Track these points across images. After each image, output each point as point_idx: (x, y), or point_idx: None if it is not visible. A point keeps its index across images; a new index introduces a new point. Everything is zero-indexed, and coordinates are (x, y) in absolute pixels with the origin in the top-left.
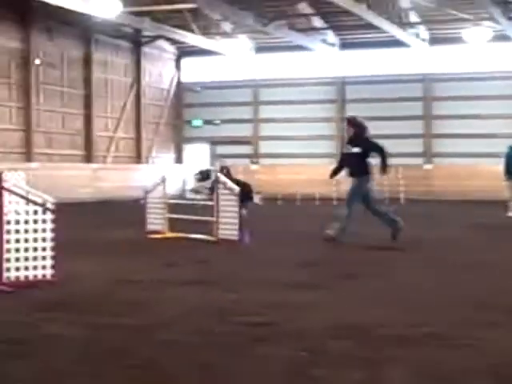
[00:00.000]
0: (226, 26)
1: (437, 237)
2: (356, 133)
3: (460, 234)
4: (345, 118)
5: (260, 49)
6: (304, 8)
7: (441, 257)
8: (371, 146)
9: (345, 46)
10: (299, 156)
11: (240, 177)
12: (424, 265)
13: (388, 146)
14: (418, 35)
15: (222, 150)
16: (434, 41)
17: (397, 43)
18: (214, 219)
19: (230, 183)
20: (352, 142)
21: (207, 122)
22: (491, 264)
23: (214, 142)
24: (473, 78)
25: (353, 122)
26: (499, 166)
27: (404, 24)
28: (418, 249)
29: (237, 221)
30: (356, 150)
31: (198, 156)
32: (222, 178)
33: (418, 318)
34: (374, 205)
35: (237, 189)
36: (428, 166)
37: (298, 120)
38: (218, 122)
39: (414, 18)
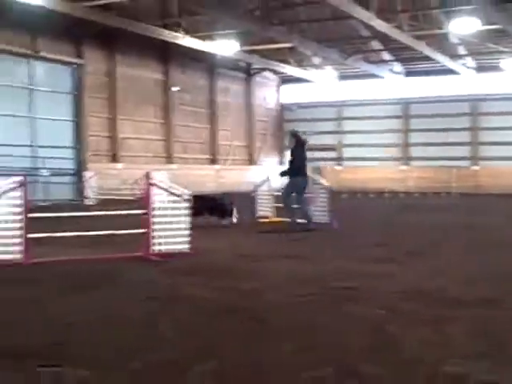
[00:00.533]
0: (316, 60)
1: (484, 223)
2: (295, 144)
3: (503, 221)
4: (289, 132)
5: (342, 77)
6: (376, 45)
7: (489, 239)
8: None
9: (408, 73)
10: (373, 159)
11: (329, 174)
12: (477, 245)
13: (442, 151)
14: (465, 64)
15: (314, 155)
16: (479, 69)
17: (449, 71)
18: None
19: (321, 180)
20: (292, 150)
21: (302, 134)
22: None
23: (308, 148)
24: (509, 97)
25: (295, 135)
26: None
27: (454, 56)
28: (471, 232)
29: (327, 208)
30: (290, 158)
31: None
32: (316, 176)
33: (473, 287)
34: (301, 199)
35: (326, 184)
36: (475, 167)
37: (372, 131)
38: (311, 133)
39: (462, 50)
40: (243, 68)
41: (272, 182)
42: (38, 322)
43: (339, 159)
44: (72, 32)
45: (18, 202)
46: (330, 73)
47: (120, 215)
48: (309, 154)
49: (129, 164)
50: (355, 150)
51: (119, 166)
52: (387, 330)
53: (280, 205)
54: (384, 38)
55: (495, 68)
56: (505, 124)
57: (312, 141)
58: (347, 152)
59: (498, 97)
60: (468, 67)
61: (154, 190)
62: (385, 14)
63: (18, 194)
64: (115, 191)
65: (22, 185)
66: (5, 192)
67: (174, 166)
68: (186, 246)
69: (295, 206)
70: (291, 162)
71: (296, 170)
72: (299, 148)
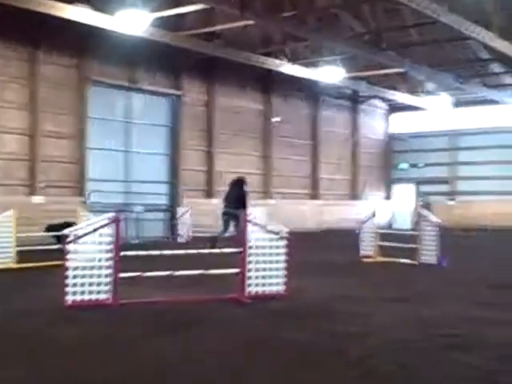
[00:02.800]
0: (429, 85)
1: None
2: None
3: None
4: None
5: (457, 103)
6: (495, 67)
7: None
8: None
9: None
10: (490, 193)
11: (441, 210)
12: None
13: None
14: None
15: (424, 188)
16: None
17: None
18: (417, 246)
19: (431, 216)
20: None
21: (412, 166)
22: None
23: (418, 181)
24: None
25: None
26: None
27: None
28: None
29: (435, 247)
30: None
31: (403, 194)
32: (425, 212)
33: None
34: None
35: (436, 220)
36: None
37: (489, 162)
38: (422, 164)
39: None
40: (349, 96)
41: (377, 218)
42: (130, 362)
43: (452, 193)
44: (170, 62)
45: (110, 239)
46: (443, 99)
47: (214, 254)
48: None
49: None
50: (469, 183)
51: (214, 201)
52: (500, 381)
53: (386, 243)
54: (506, 60)
55: None
56: None
57: (423, 173)
58: (460, 185)
59: None
60: None
61: (251, 228)
62: (508, 33)
63: (110, 231)
64: (209, 228)
65: (114, 222)
66: (97, 229)
67: (272, 202)
68: (281, 287)
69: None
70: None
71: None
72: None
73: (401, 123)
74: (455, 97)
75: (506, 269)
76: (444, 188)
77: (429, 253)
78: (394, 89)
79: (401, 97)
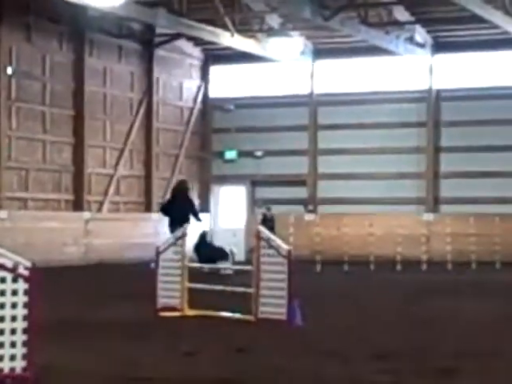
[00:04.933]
0: (273, 21)
1: None
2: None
3: None
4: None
5: (319, 52)
6: None
7: None
8: None
9: (440, 47)
10: (373, 202)
11: (291, 230)
12: None
13: (500, 187)
14: None
15: (264, 192)
16: None
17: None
18: (253, 291)
19: (277, 240)
20: None
21: (245, 154)
22: None
23: (255, 181)
24: None
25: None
26: None
27: None
28: None
29: (285, 293)
30: None
31: (231, 201)
32: (265, 232)
33: None
34: None
35: (286, 248)
36: None
37: (372, 151)
38: (260, 153)
39: None
40: (138, 34)
41: (187, 243)
42: None
43: (311, 201)
44: None
45: None
46: (297, 44)
47: None
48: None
49: None
50: (340, 185)
51: None
52: None
53: (202, 286)
54: None
55: None
56: None
57: (263, 168)
58: (325, 188)
59: None
60: None
61: None
62: None
63: None
64: None
65: None
66: None
67: (2, 214)
68: (19, 364)
69: None
70: None
71: None
72: None
73: (226, 83)
74: (315, 41)
75: (391, 325)
76: (300, 192)
77: (274, 302)
78: (215, 24)
79: (225, 38)
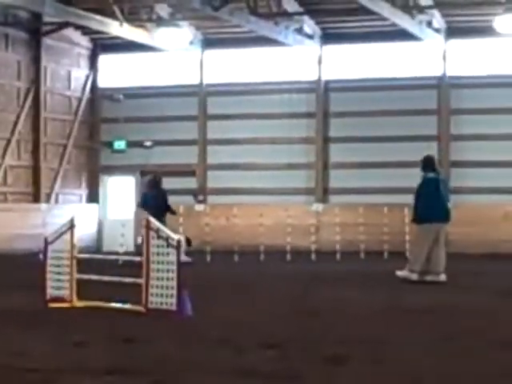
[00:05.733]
0: (162, 10)
1: (453, 304)
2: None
3: (486, 300)
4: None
5: (209, 42)
6: None
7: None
8: None
9: (328, 38)
10: (263, 192)
11: (180, 220)
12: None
13: (388, 177)
14: (430, 24)
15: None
16: (454, 32)
17: (402, 35)
18: (142, 281)
19: (166, 230)
20: None
21: (134, 145)
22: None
23: (144, 172)
24: (506, 83)
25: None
26: None
27: (411, 8)
28: (430, 319)
29: (174, 283)
30: None
31: (120, 192)
32: (155, 223)
33: None
34: None
35: (175, 238)
36: None
37: (262, 141)
38: (149, 143)
39: (425, 0)
40: (25, 22)
41: (76, 233)
42: None
43: (200, 191)
44: None
45: None
46: (186, 34)
47: None
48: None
49: None
50: (230, 175)
51: None
52: None
53: (91, 277)
54: None
55: (483, 31)
56: (497, 129)
57: (153, 158)
58: (215, 179)
59: (485, 81)
60: (435, 29)
61: None
62: None
63: None
64: None
65: None
66: None
67: None
68: None
69: None
70: None
71: None
72: None
73: (115, 72)
74: (204, 31)
75: (280, 314)
76: (189, 182)
77: (163, 292)
78: (104, 13)
79: (114, 27)
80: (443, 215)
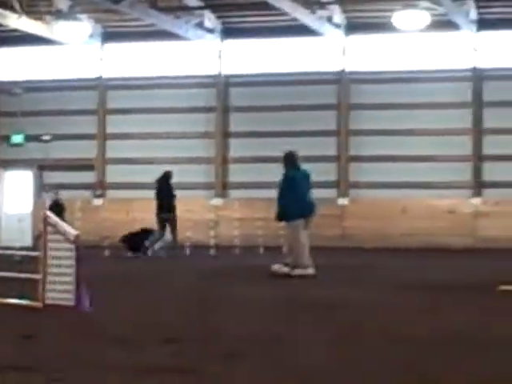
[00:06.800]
0: (61, 3)
1: (353, 299)
2: None
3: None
4: None
5: (109, 36)
6: None
7: (354, 332)
8: None
9: (229, 33)
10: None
11: (78, 215)
12: (331, 340)
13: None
14: (330, 19)
15: (52, 177)
16: (353, 27)
17: (302, 30)
18: (39, 277)
19: (64, 225)
20: None
21: (31, 138)
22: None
23: (42, 166)
24: (406, 78)
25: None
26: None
27: (312, 3)
28: (327, 318)
29: (72, 278)
30: None
31: (17, 187)
32: (53, 217)
33: None
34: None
35: (74, 233)
36: (343, 201)
37: (162, 136)
38: (48, 137)
39: None
40: None
41: None
42: None
43: (99, 185)
44: None
45: None
46: (85, 27)
47: None
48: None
49: None
50: (129, 170)
51: None
52: None
53: None
54: None
55: (381, 27)
56: (396, 124)
57: (51, 152)
58: (114, 173)
59: (384, 77)
60: (335, 24)
61: None
62: None
63: None
64: None
65: None
66: None
67: None
68: None
69: None
70: None
71: None
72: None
73: (12, 65)
74: (104, 24)
75: (180, 309)
76: (88, 176)
77: (61, 288)
78: (2, 5)
79: (11, 19)
80: (308, 209)
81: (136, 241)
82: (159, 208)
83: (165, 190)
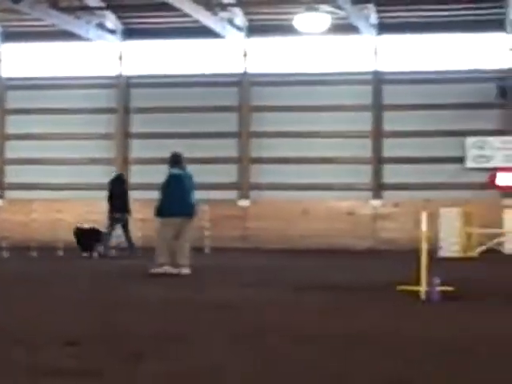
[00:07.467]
0: None
1: (254, 300)
2: None
3: (285, 298)
4: None
5: (9, 35)
6: None
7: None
8: None
9: (130, 34)
10: (64, 188)
11: None
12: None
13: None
14: (232, 22)
15: None
16: (254, 30)
17: (204, 32)
18: None
19: None
20: None
21: None
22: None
23: None
24: (307, 81)
25: None
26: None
27: (214, 5)
28: (229, 318)
29: None
30: None
31: None
32: None
33: None
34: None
35: None
36: (244, 203)
37: (63, 136)
38: None
39: None
40: None
41: None
42: None
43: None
44: None
45: None
46: None
47: None
48: None
49: None
50: (28, 170)
51: None
52: None
53: None
54: None
55: (282, 29)
56: (297, 126)
57: None
58: (13, 173)
59: (285, 79)
60: (236, 27)
61: None
62: None
63: None
64: None
65: None
66: None
67: None
68: None
69: None
70: None
71: None
72: None
73: None
74: (4, 24)
75: (80, 311)
76: None
77: None
78: None
79: None
80: (186, 210)
81: (85, 240)
82: (111, 208)
83: (117, 192)
